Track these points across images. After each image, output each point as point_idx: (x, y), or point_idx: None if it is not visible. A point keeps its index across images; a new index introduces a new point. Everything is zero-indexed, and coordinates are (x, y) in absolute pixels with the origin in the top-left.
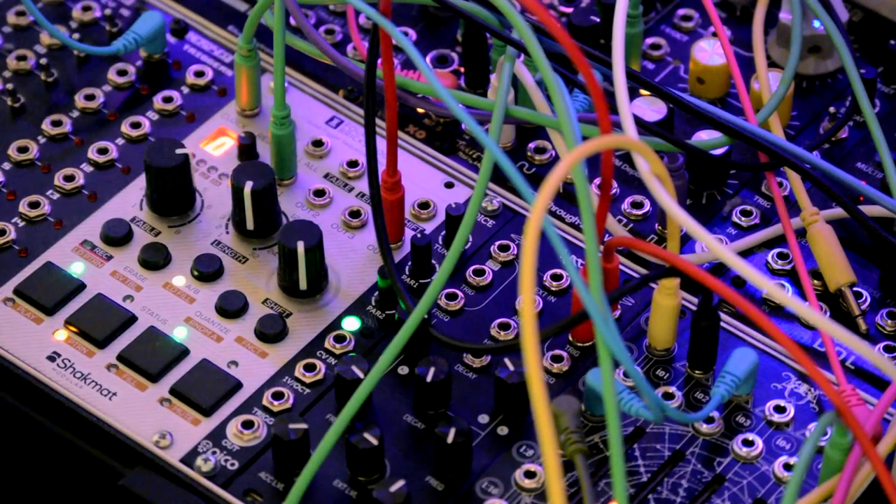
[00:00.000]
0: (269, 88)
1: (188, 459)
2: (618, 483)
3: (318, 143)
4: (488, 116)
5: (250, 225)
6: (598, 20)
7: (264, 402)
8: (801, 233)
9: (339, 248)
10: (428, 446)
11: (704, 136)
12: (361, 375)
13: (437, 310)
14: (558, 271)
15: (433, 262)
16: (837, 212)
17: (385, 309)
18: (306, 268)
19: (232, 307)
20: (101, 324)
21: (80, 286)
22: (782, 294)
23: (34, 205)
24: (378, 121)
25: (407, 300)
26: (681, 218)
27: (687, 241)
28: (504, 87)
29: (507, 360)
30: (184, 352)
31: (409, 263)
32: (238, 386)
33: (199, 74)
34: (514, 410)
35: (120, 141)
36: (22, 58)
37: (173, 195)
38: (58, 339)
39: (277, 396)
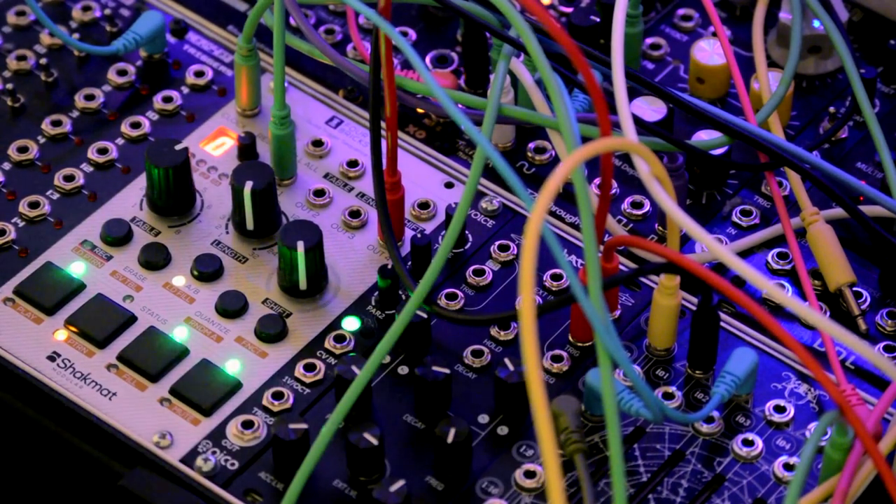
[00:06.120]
0: (269, 88)
1: (188, 459)
2: (618, 483)
3: (318, 143)
4: None
5: (250, 225)
6: (598, 20)
7: (264, 402)
8: (801, 233)
9: (339, 248)
10: (428, 446)
11: (704, 136)
12: None
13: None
14: (558, 271)
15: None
16: (837, 212)
17: (385, 309)
18: (306, 268)
19: (232, 307)
20: (101, 324)
21: (80, 286)
22: (782, 294)
23: (34, 205)
24: None
25: (411, 284)
26: (680, 219)
27: (686, 242)
28: (498, 83)
29: (507, 360)
30: (184, 352)
31: (409, 263)
32: (238, 386)
33: (199, 74)
34: (514, 410)
35: (120, 141)
36: (22, 58)
37: (173, 195)
38: (58, 339)
39: (277, 396)
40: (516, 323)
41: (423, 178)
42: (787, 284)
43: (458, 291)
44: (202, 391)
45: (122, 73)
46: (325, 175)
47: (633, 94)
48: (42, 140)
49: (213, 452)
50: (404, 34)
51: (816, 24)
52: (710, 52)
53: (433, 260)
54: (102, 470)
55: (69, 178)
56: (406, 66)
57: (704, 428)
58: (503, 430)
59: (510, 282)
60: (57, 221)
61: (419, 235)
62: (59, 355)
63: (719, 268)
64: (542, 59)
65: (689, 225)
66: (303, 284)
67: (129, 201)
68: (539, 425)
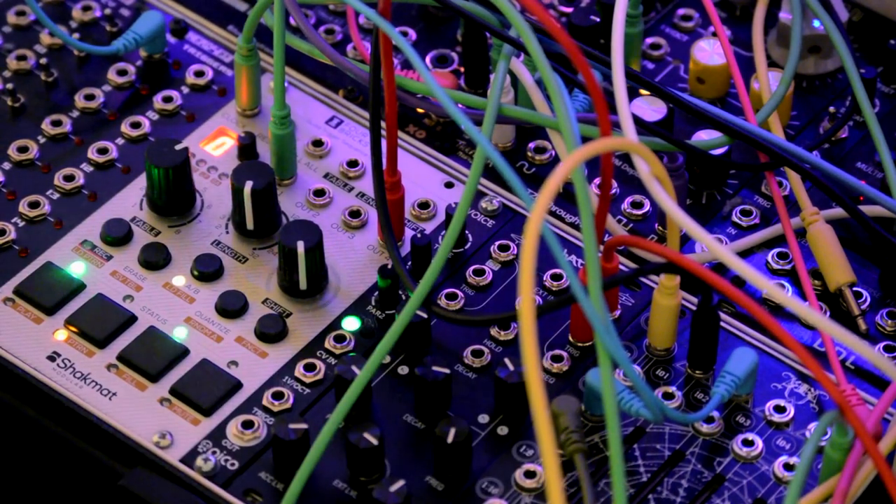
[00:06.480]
0: (269, 88)
1: (188, 459)
2: (618, 483)
3: (318, 143)
4: None
5: (250, 225)
6: (598, 20)
7: (264, 402)
8: (801, 233)
9: (339, 248)
10: (428, 446)
11: (704, 136)
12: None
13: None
14: (558, 271)
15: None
16: (837, 212)
17: (385, 309)
18: (306, 268)
19: (232, 307)
20: (101, 324)
21: (80, 286)
22: (781, 294)
23: (34, 205)
24: None
25: (411, 284)
26: (680, 219)
27: (686, 242)
28: (498, 83)
29: (507, 360)
30: (184, 352)
31: (409, 263)
32: (238, 386)
33: (199, 74)
34: (514, 410)
35: (120, 141)
36: (22, 58)
37: (173, 195)
38: (58, 339)
39: (277, 396)
40: (516, 323)
41: (423, 178)
42: (787, 284)
43: (458, 291)
44: (202, 391)
45: (122, 73)
46: (325, 175)
47: (632, 94)
48: (42, 140)
49: (213, 452)
50: (404, 34)
51: (816, 24)
52: (710, 52)
53: (433, 260)
54: (102, 470)
55: (69, 178)
56: (406, 66)
57: (704, 428)
58: (503, 430)
59: (510, 282)
60: (57, 221)
61: (419, 235)
62: (59, 355)
63: (719, 268)
64: (542, 59)
65: (689, 225)
66: (303, 284)
67: (129, 201)
68: (539, 425)
